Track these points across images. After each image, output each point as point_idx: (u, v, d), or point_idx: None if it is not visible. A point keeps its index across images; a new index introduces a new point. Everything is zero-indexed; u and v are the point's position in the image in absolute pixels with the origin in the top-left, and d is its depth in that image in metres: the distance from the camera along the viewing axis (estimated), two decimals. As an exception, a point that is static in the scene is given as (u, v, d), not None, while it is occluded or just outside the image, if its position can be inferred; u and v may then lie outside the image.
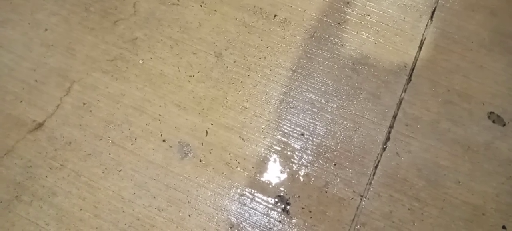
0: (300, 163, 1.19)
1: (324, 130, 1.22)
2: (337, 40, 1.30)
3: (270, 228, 1.13)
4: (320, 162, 1.19)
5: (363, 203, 1.15)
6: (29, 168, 1.18)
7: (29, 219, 1.14)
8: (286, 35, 1.31)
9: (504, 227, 1.12)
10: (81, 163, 1.19)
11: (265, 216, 1.14)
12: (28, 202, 1.15)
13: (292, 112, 1.23)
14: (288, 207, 1.15)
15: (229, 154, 1.19)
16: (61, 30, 1.32)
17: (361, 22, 1.32)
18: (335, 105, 1.24)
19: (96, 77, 1.27)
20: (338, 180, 1.17)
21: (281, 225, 1.14)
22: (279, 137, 1.21)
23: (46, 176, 1.17)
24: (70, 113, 1.23)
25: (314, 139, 1.21)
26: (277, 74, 1.27)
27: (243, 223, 1.14)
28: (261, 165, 1.18)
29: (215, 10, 1.34)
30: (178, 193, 1.16)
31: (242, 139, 1.21)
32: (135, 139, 1.21)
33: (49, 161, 1.19)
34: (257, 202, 1.16)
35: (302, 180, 1.17)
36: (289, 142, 1.21)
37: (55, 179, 1.17)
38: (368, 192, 1.16)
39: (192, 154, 1.19)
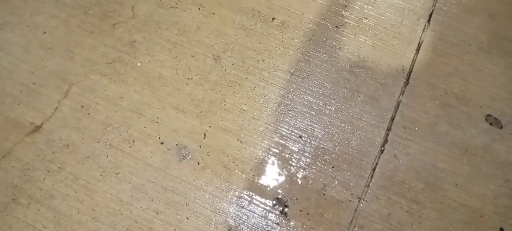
0: (298, 165, 1.19)
1: (322, 132, 1.22)
2: (335, 43, 1.31)
3: (268, 230, 1.13)
4: (318, 164, 1.19)
5: (361, 205, 1.15)
6: (26, 171, 1.18)
7: (26, 222, 1.14)
8: (284, 38, 1.32)
9: (502, 229, 1.12)
10: (79, 166, 1.18)
11: (263, 219, 1.14)
12: (25, 205, 1.15)
13: (290, 115, 1.24)
14: (286, 209, 1.15)
15: (227, 156, 1.19)
16: (60, 33, 1.33)
17: (359, 25, 1.33)
18: (333, 108, 1.24)
19: (95, 80, 1.27)
20: (336, 183, 1.17)
21: (279, 228, 1.13)
22: (277, 139, 1.21)
23: (44, 179, 1.17)
24: (68, 116, 1.23)
25: (312, 142, 1.21)
26: (275, 77, 1.27)
27: (241, 226, 1.14)
28: (259, 167, 1.18)
29: (213, 13, 1.35)
30: (176, 195, 1.16)
31: (240, 141, 1.21)
32: (133, 141, 1.21)
33: (47, 164, 1.19)
34: (255, 204, 1.15)
35: (300, 182, 1.17)
36: (287, 145, 1.21)
37: (53, 181, 1.17)
38: (366, 195, 1.15)
39: (190, 156, 1.19)
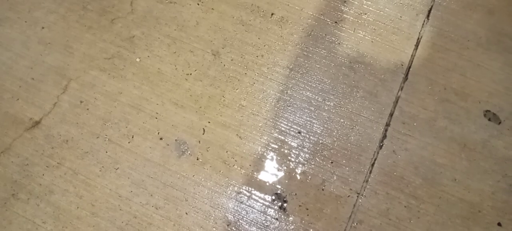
0: (297, 161, 1.19)
1: (321, 128, 1.22)
2: (334, 39, 1.31)
3: (267, 225, 1.13)
4: (317, 159, 1.19)
5: (360, 200, 1.15)
6: (26, 166, 1.18)
7: (26, 217, 1.14)
8: (283, 33, 1.32)
9: (499, 224, 1.12)
10: (78, 161, 1.19)
11: (262, 214, 1.14)
12: (25, 200, 1.15)
13: (289, 111, 1.24)
14: (285, 204, 1.15)
15: (227, 152, 1.20)
16: (58, 28, 1.32)
17: (358, 21, 1.33)
18: (332, 104, 1.24)
19: (94, 75, 1.27)
20: (335, 178, 1.17)
21: (278, 223, 1.14)
22: (276, 135, 1.21)
23: (43, 174, 1.17)
24: (67, 111, 1.23)
25: (311, 137, 1.21)
26: (274, 73, 1.27)
27: (240, 221, 1.14)
28: (258, 163, 1.19)
29: (212, 9, 1.34)
30: (175, 191, 1.16)
31: (239, 137, 1.21)
32: (132, 137, 1.21)
33: (46, 159, 1.19)
34: (254, 199, 1.16)
35: (299, 177, 1.17)
36: (286, 140, 1.21)
37: (52, 177, 1.17)
38: (365, 190, 1.16)
39: (189, 152, 1.20)
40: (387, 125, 1.22)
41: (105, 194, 1.16)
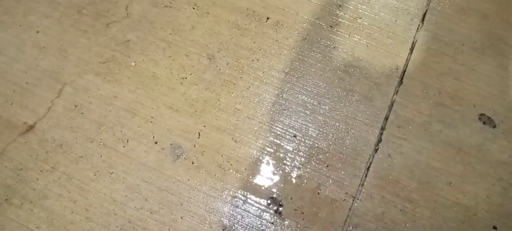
0: (292, 164, 1.19)
1: (317, 131, 1.22)
2: (329, 43, 1.31)
3: (262, 230, 1.13)
4: (313, 163, 1.19)
5: (356, 204, 1.15)
6: (19, 171, 1.17)
7: (19, 222, 1.13)
8: (279, 37, 1.32)
9: (495, 228, 1.12)
10: (72, 166, 1.18)
11: (257, 218, 1.14)
12: (18, 205, 1.14)
13: (285, 114, 1.24)
14: (280, 208, 1.15)
15: (222, 156, 1.19)
16: (53, 33, 1.32)
17: (353, 25, 1.33)
18: (327, 107, 1.24)
19: (88, 79, 1.27)
20: (330, 182, 1.17)
21: (273, 227, 1.13)
22: (271, 138, 1.21)
23: (37, 179, 1.17)
24: (61, 116, 1.23)
25: (307, 141, 1.21)
26: (270, 77, 1.27)
27: (236, 225, 1.13)
28: (254, 167, 1.18)
29: (208, 13, 1.35)
30: (170, 195, 1.16)
31: (235, 141, 1.21)
32: (127, 141, 1.20)
33: (40, 164, 1.18)
34: (250, 204, 1.15)
35: (294, 181, 1.17)
36: (282, 144, 1.21)
37: (46, 181, 1.16)
38: (360, 194, 1.16)
39: (184, 156, 1.19)
40: (382, 128, 1.22)
41: (100, 199, 1.15)
